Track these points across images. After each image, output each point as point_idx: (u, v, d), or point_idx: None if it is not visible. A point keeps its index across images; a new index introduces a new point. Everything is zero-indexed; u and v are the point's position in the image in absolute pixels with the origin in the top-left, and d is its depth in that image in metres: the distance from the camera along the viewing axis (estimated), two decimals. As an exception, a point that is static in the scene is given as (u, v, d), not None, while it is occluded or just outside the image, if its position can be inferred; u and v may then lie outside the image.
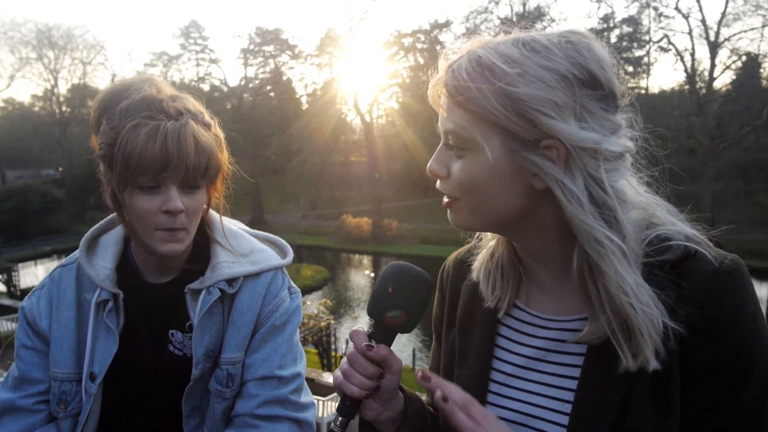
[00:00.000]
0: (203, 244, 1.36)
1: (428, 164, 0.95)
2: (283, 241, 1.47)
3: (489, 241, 1.08)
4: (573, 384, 0.91)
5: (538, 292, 1.01)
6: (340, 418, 0.95)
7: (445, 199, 0.95)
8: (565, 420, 0.90)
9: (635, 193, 0.89)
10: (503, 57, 0.83)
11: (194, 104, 1.26)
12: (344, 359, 0.97)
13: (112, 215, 1.38)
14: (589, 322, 0.87)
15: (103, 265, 1.32)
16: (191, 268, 1.34)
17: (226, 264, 1.32)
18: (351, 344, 0.97)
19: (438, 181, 0.96)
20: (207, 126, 1.25)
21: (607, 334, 0.84)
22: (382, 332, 0.96)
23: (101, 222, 1.41)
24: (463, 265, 1.13)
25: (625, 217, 0.84)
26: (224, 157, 1.30)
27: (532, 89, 0.81)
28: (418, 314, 0.95)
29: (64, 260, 1.40)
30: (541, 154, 0.83)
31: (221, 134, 1.29)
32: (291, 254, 1.43)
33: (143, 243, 1.25)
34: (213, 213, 1.40)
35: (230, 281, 1.31)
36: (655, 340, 0.81)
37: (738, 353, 0.81)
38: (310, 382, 11.57)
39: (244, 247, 1.38)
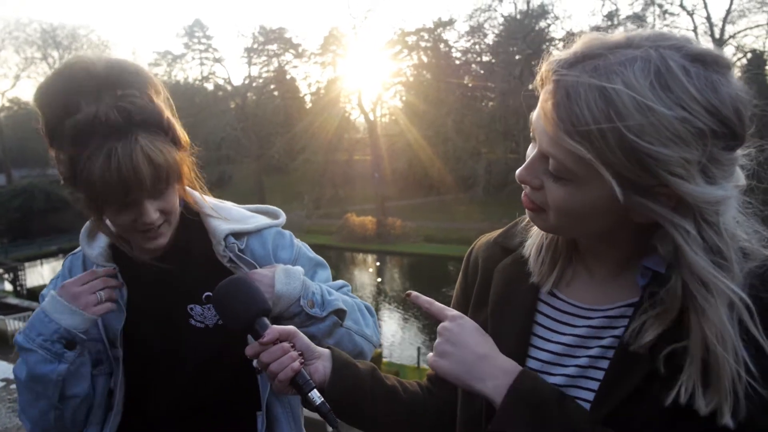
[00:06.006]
0: (191, 220, 1.40)
1: (518, 172, 0.89)
2: (274, 207, 1.54)
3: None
4: (600, 374, 0.91)
5: (586, 279, 1.00)
6: (312, 394, 1.02)
7: (530, 203, 0.92)
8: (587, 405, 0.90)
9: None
10: (633, 98, 0.73)
11: (127, 81, 1.16)
12: (267, 368, 1.04)
13: None
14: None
15: (98, 244, 1.38)
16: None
17: (222, 225, 1.38)
18: (255, 360, 1.07)
19: (526, 187, 0.91)
20: (151, 103, 1.17)
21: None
22: (255, 331, 1.07)
23: None
24: (498, 247, 1.12)
25: (735, 257, 0.80)
26: (184, 140, 1.26)
27: (664, 148, 0.73)
28: (251, 305, 1.09)
29: (75, 250, 1.48)
30: (652, 198, 0.78)
31: (166, 93, 1.25)
32: (283, 216, 1.51)
33: (131, 242, 1.31)
34: (193, 192, 1.40)
35: (235, 236, 1.38)
36: (737, 396, 0.78)
37: None
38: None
39: (234, 214, 1.44)
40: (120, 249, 1.38)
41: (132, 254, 1.37)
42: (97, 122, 1.12)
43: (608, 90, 0.74)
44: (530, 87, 0.88)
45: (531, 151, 0.90)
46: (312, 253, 1.51)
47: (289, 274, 1.34)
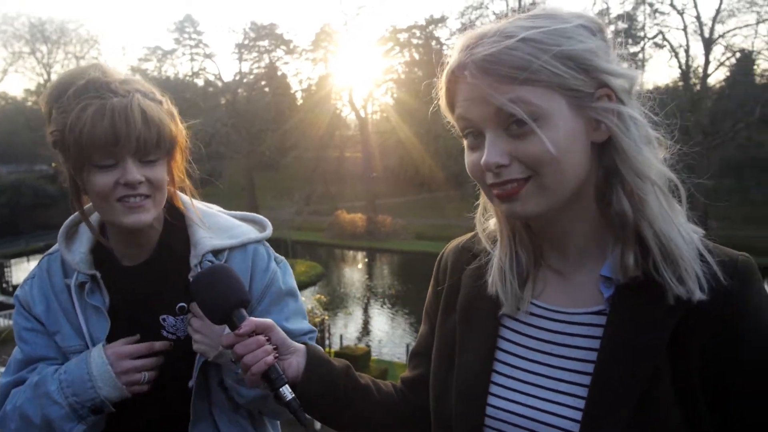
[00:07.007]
0: (177, 226, 1.39)
1: (484, 160, 0.88)
2: (261, 217, 1.51)
3: (495, 251, 1.05)
4: (585, 379, 0.90)
5: (553, 282, 1.00)
6: (283, 389, 1.02)
7: (509, 188, 0.89)
8: (578, 415, 0.89)
9: None
10: (539, 29, 0.86)
11: (143, 84, 1.29)
12: (241, 360, 1.04)
13: (88, 205, 1.39)
14: (621, 258, 0.90)
15: (78, 249, 1.35)
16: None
17: (206, 239, 1.36)
18: (229, 351, 1.08)
19: (491, 175, 0.90)
20: (158, 102, 1.27)
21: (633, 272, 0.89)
22: (232, 322, 1.07)
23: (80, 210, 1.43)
24: (466, 252, 1.12)
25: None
26: (179, 130, 1.32)
27: (581, 45, 0.87)
28: (229, 295, 1.09)
29: (50, 249, 1.43)
30: (601, 103, 0.88)
31: (174, 110, 1.32)
32: (270, 228, 1.48)
33: (108, 221, 1.29)
34: (183, 195, 1.43)
35: (215, 252, 1.35)
36: (698, 274, 0.86)
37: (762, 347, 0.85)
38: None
39: (221, 223, 1.42)
40: (102, 254, 1.36)
41: (114, 257, 1.35)
42: (100, 83, 1.20)
43: (525, 35, 0.85)
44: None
45: (473, 154, 0.93)
46: (287, 281, 1.45)
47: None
